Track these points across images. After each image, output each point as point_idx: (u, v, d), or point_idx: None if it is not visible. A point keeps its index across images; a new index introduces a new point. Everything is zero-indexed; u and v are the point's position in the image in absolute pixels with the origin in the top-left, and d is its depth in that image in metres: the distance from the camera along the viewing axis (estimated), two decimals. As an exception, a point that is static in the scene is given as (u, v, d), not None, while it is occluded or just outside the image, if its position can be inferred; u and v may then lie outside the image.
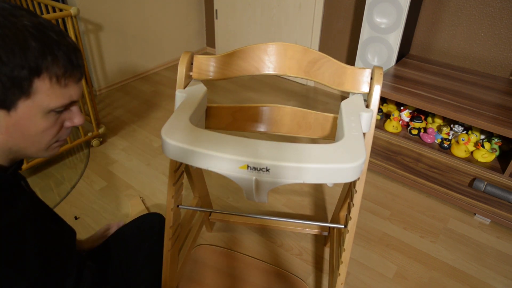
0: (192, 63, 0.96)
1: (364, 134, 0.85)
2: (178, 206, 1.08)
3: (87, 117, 2.16)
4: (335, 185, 1.89)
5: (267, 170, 0.60)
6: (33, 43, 0.55)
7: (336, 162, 0.60)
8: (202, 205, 1.38)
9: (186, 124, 0.69)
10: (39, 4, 2.00)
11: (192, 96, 0.86)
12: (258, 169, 0.60)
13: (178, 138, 0.64)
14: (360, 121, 0.77)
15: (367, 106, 0.88)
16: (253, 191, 0.64)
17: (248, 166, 0.60)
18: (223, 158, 0.61)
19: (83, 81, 1.96)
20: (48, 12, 1.93)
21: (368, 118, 0.82)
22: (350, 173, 0.61)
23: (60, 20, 1.88)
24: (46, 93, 0.58)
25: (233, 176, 0.62)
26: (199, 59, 0.96)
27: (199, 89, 0.92)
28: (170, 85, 2.92)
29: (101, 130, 2.12)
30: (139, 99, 2.70)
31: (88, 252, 1.03)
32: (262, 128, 1.03)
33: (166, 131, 0.66)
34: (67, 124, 0.66)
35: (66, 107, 0.64)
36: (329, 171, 0.60)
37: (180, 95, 0.87)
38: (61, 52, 0.58)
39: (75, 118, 0.67)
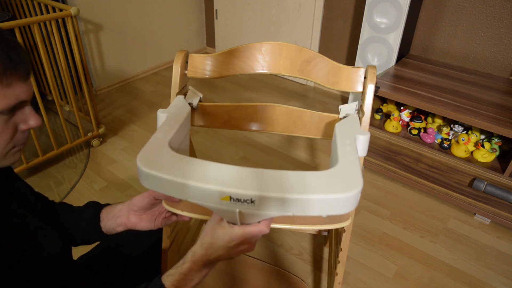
0: (187, 62, 0.96)
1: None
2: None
3: (87, 117, 2.17)
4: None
5: (252, 201, 0.54)
6: None
7: (329, 193, 0.54)
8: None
9: (164, 150, 0.64)
10: (39, 4, 2.01)
11: (175, 116, 0.81)
12: (242, 200, 0.54)
13: (154, 166, 0.58)
14: (355, 144, 0.72)
15: (361, 106, 0.88)
16: (237, 223, 0.59)
17: (230, 198, 0.54)
18: (203, 189, 0.55)
19: (84, 81, 1.96)
20: (48, 12, 1.94)
21: (365, 141, 0.77)
22: (345, 204, 0.55)
23: (60, 20, 1.88)
24: None
25: (215, 208, 0.57)
26: (194, 58, 0.96)
27: (182, 109, 0.87)
28: (170, 85, 2.90)
29: (101, 130, 2.13)
30: (139, 99, 2.71)
31: (83, 257, 1.01)
32: (258, 127, 1.03)
33: (142, 157, 0.60)
34: (22, 127, 0.60)
35: (16, 108, 0.58)
36: (321, 203, 0.54)
37: (161, 115, 0.82)
38: None
39: (30, 119, 0.60)
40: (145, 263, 1.04)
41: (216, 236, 0.62)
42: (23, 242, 0.67)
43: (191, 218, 0.84)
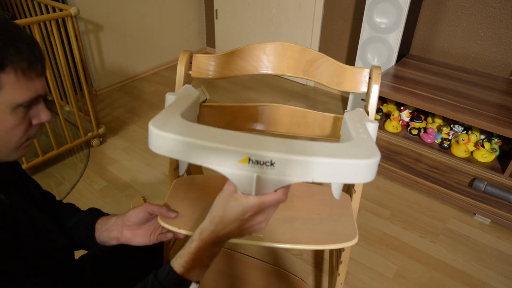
0: (191, 62, 0.96)
1: None
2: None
3: (87, 117, 2.17)
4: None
5: (272, 164, 0.51)
6: None
7: (351, 158, 0.52)
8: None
9: (178, 119, 0.61)
10: (39, 4, 2.00)
11: (184, 98, 0.81)
12: (262, 162, 0.51)
13: (167, 129, 0.55)
14: (367, 128, 0.71)
15: (366, 106, 0.88)
16: (252, 192, 0.55)
17: (249, 160, 0.51)
18: (221, 150, 0.52)
19: (84, 81, 1.96)
20: (48, 12, 1.93)
21: (374, 129, 0.77)
22: (366, 171, 0.53)
23: (60, 20, 1.88)
24: (13, 87, 0.57)
25: (231, 173, 0.53)
26: (198, 58, 0.96)
27: (191, 93, 0.87)
28: (170, 85, 2.92)
29: (101, 130, 2.12)
30: (139, 99, 2.70)
31: (84, 257, 1.00)
32: (261, 127, 1.03)
33: (155, 122, 0.57)
34: (34, 121, 0.64)
35: (33, 102, 0.62)
36: (343, 168, 0.52)
37: (170, 97, 0.81)
38: (23, 44, 0.57)
39: (42, 114, 0.64)
40: (148, 254, 1.03)
41: (228, 208, 0.57)
42: (28, 239, 0.67)
43: (186, 236, 0.81)
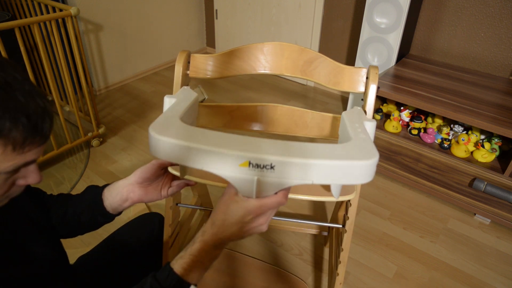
0: (189, 62, 0.96)
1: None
2: (177, 204, 1.08)
3: (87, 117, 2.17)
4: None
5: (272, 167, 0.52)
6: None
7: (349, 159, 0.53)
8: (202, 203, 1.38)
9: (177, 123, 0.62)
10: (39, 4, 2.01)
11: (182, 100, 0.81)
12: (262, 166, 0.52)
13: (167, 134, 0.55)
14: (365, 128, 0.73)
15: (364, 106, 0.88)
16: (253, 195, 0.56)
17: (250, 163, 0.52)
18: (221, 154, 0.52)
19: (84, 81, 1.96)
20: (48, 12, 1.94)
21: (372, 128, 0.78)
22: (365, 172, 0.54)
23: (60, 20, 1.88)
24: None
25: (232, 177, 0.54)
26: (196, 58, 0.96)
27: (189, 95, 0.87)
28: (170, 85, 2.92)
29: (101, 130, 2.13)
30: (139, 99, 2.70)
31: (83, 258, 1.00)
32: (259, 127, 1.03)
33: (155, 127, 0.57)
34: (20, 182, 0.58)
35: (21, 167, 0.55)
36: (342, 169, 0.53)
37: (168, 100, 0.82)
38: (24, 119, 0.50)
39: (30, 177, 0.58)
40: (147, 256, 1.03)
41: (230, 211, 0.58)
42: (9, 252, 0.65)
43: (196, 183, 0.85)
